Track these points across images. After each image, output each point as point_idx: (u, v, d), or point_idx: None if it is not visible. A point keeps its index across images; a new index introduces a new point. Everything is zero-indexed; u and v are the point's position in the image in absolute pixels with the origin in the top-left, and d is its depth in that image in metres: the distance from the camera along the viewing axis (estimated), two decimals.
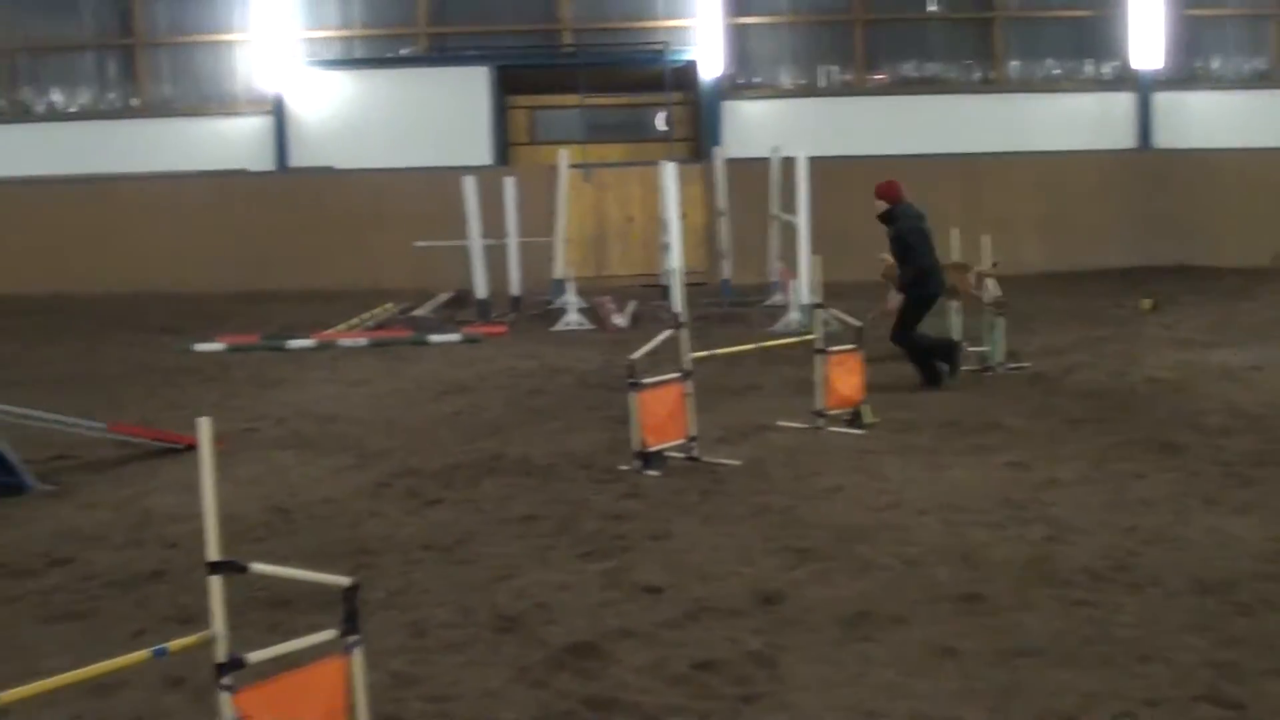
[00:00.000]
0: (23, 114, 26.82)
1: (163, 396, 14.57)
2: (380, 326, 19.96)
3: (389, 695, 6.11)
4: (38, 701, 5.92)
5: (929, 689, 6.08)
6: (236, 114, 26.53)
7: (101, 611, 7.71)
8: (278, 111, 26.25)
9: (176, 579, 8.16)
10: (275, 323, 20.39)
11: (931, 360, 14.03)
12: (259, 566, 5.06)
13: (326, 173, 26.18)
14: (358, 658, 5.05)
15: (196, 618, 7.16)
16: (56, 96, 26.75)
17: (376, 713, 5.44)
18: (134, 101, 26.73)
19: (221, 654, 4.75)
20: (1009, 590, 7.42)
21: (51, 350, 18.56)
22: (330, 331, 19.10)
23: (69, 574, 8.43)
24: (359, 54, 26.79)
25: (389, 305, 21.70)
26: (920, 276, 13.96)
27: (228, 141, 26.52)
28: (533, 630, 7.03)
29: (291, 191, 26.00)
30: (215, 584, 4.82)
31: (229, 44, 26.58)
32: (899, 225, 13.98)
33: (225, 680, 4.70)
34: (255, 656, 4.84)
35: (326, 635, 5.06)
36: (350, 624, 5.04)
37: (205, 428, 4.83)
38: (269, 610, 7.36)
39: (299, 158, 26.43)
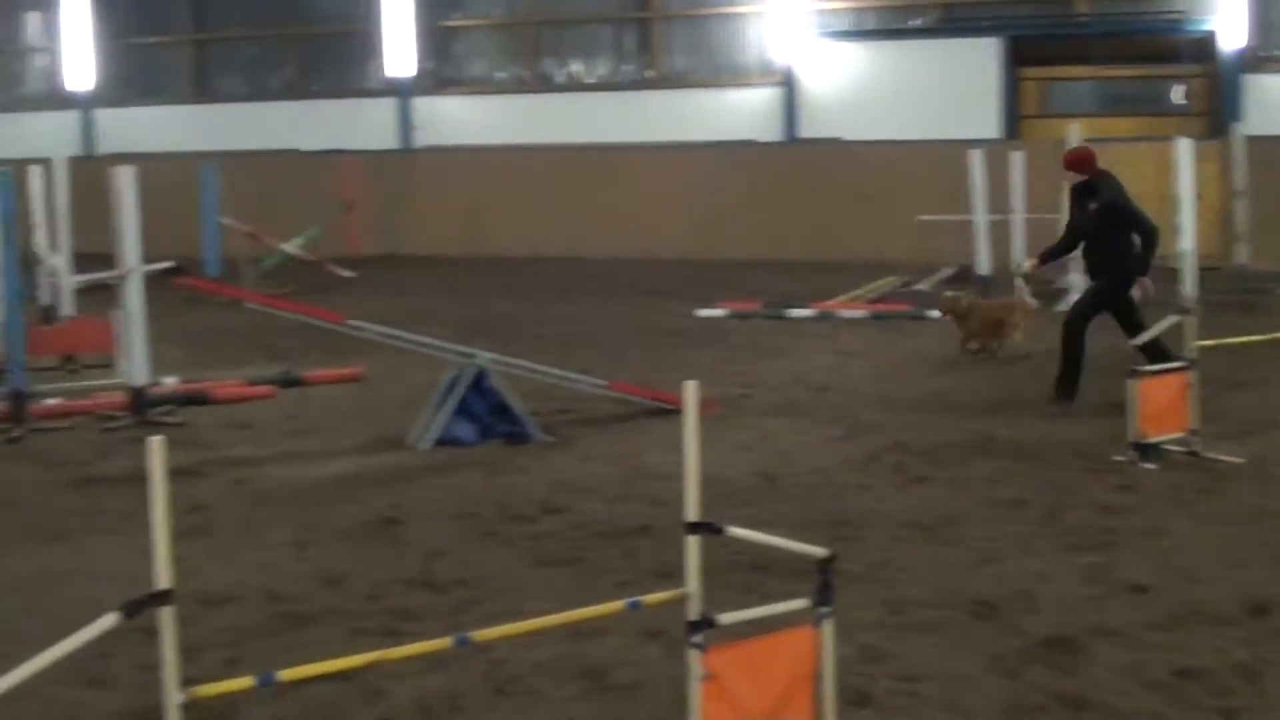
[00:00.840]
0: (544, 84, 28.06)
1: (662, 358, 14.97)
2: (881, 299, 19.91)
3: (857, 669, 6.07)
4: (521, 641, 6.21)
5: None
6: (747, 85, 26.95)
7: (589, 560, 8.00)
8: (788, 83, 26.51)
9: (662, 535, 8.36)
10: (776, 291, 20.63)
11: (1075, 378, 12.17)
12: (735, 530, 5.10)
13: (834, 144, 26.28)
14: (828, 629, 5.03)
15: (676, 574, 7.29)
16: (576, 67, 27.88)
17: (843, 685, 5.41)
18: (648, 73, 27.54)
19: (694, 612, 4.81)
20: None
21: (562, 309, 19.38)
22: (831, 302, 19.17)
23: (562, 522, 8.80)
24: (870, 25, 26.77)
25: (891, 278, 21.62)
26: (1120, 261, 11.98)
27: (737, 112, 26.99)
28: (1010, 619, 6.85)
29: (799, 162, 26.22)
30: (692, 544, 4.89)
31: (742, 16, 27.02)
32: (1111, 195, 12.01)
33: (695, 638, 4.76)
34: (726, 618, 4.89)
35: (799, 604, 5.06)
36: (824, 595, 5.02)
37: (691, 391, 4.91)
38: (748, 573, 7.44)
39: (807, 129, 26.64)
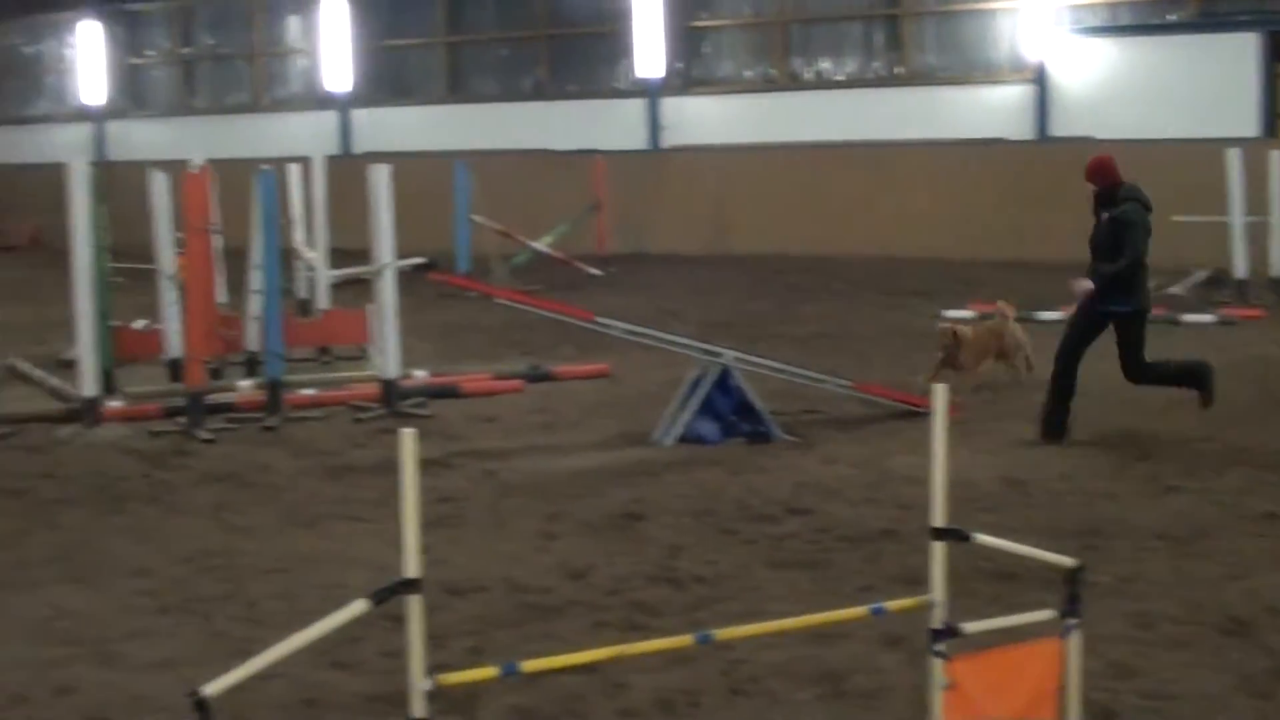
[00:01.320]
0: (792, 83, 27.98)
1: (909, 359, 14.79)
2: None
3: (1103, 685, 5.92)
4: (759, 642, 6.19)
5: None
6: (998, 82, 26.47)
7: (831, 563, 7.95)
8: (1039, 80, 25.97)
9: (907, 540, 8.27)
10: (1024, 293, 20.21)
11: (1192, 375, 11.27)
12: (983, 538, 5.02)
13: (1085, 142, 25.62)
14: (1075, 641, 4.90)
15: (922, 580, 7.20)
16: (824, 65, 27.72)
17: (1088, 701, 5.28)
18: (898, 70, 27.26)
19: (938, 620, 4.75)
20: None
21: (806, 309, 19.28)
22: None
23: (805, 524, 8.76)
24: (1124, 20, 26.05)
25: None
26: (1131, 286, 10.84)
27: (988, 110, 26.52)
28: (1261, 637, 6.60)
29: (1050, 161, 25.64)
30: (938, 550, 4.82)
31: (993, 12, 26.54)
32: (1128, 209, 10.80)
33: (938, 646, 4.69)
34: (971, 627, 4.81)
35: (1045, 614, 4.95)
36: (1072, 606, 4.90)
37: (941, 394, 4.84)
38: (992, 581, 7.32)
39: (1058, 127, 26.03)
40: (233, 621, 7.18)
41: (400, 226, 12.71)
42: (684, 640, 4.94)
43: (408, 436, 4.03)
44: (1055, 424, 10.94)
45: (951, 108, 26.60)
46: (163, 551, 8.47)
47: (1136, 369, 11.03)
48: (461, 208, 22.53)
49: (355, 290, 19.57)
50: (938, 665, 4.68)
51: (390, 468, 10.27)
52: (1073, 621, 4.90)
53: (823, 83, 27.68)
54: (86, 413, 11.96)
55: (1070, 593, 4.91)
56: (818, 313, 18.88)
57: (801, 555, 8.12)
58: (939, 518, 4.77)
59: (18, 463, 11.04)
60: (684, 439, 10.97)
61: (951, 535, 4.78)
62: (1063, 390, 10.97)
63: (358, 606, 4.22)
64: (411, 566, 4.09)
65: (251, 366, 14.15)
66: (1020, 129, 26.14)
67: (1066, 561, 4.95)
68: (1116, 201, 10.87)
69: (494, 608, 7.25)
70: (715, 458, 10.54)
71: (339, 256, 17.23)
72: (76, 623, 7.22)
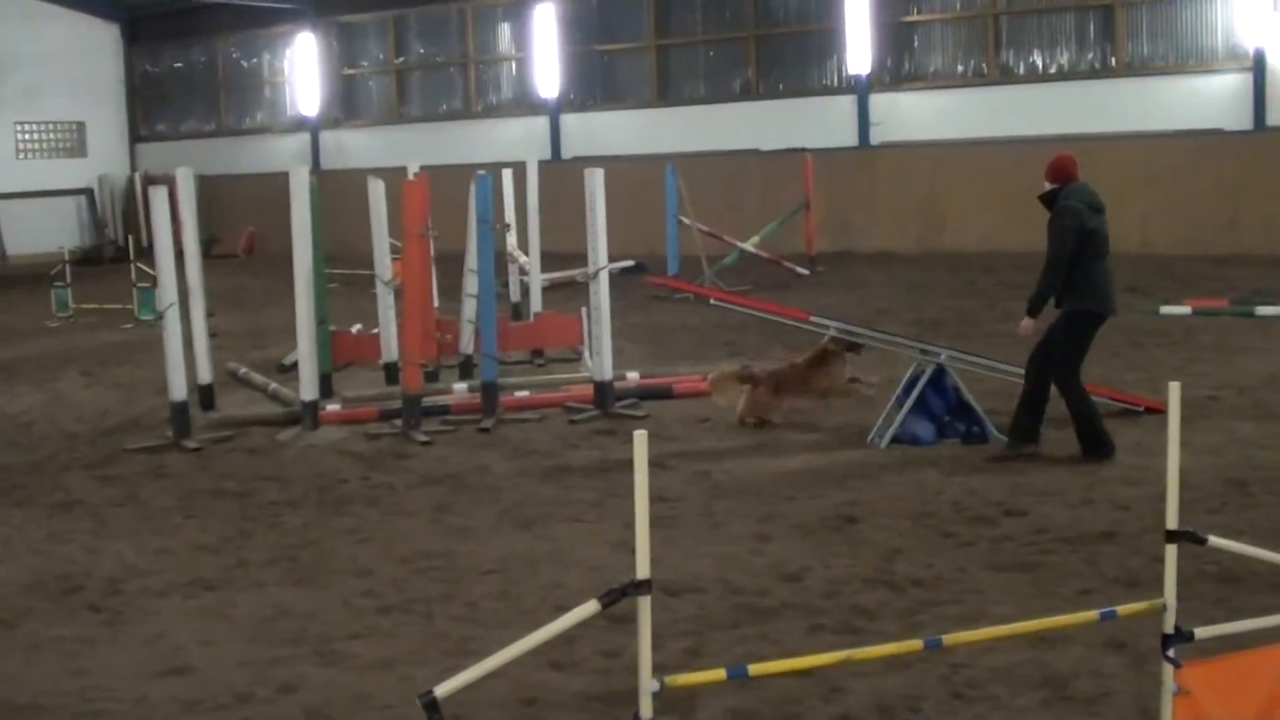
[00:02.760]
0: (1004, 76, 27.53)
1: (1125, 357, 14.49)
2: None
3: None
4: (979, 646, 6.12)
5: None
6: (1214, 71, 25.72)
7: (1050, 565, 7.83)
8: (1257, 67, 25.19)
9: (1126, 542, 8.13)
10: (1245, 287, 19.66)
11: (1097, 429, 10.35)
12: (1217, 540, 4.90)
13: None
14: None
15: (1142, 583, 7.09)
16: (1036, 58, 27.23)
17: None
18: (1111, 61, 26.68)
19: (1170, 625, 4.65)
20: None
21: (1019, 307, 18.71)
22: None
23: (1022, 525, 8.64)
24: None
25: None
26: (1082, 287, 10.25)
27: (1204, 99, 25.79)
28: None
29: (1269, 151, 24.91)
30: (1170, 553, 4.72)
31: None
32: (1060, 209, 10.33)
33: (1170, 652, 4.60)
34: (1203, 632, 4.70)
35: (1279, 619, 4.82)
36: None
37: (1175, 393, 4.74)
38: (1216, 585, 7.15)
39: (1277, 116, 25.25)
40: (453, 621, 7.32)
41: (610, 229, 12.82)
42: (913, 645, 4.90)
43: (640, 438, 4.05)
44: (1096, 446, 10.32)
45: (1166, 98, 25.94)
46: (383, 552, 8.67)
47: (1060, 371, 10.40)
48: (671, 209, 22.65)
49: (564, 293, 19.84)
50: (1169, 671, 4.58)
51: (605, 469, 10.48)
52: None
53: (1034, 76, 27.20)
54: (306, 416, 12.29)
55: None
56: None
57: (1019, 557, 8.00)
58: (1172, 519, 4.66)
59: (240, 465, 11.40)
60: (898, 439, 10.89)
61: (1184, 537, 4.67)
62: (1087, 421, 10.37)
63: (589, 608, 4.26)
64: (642, 567, 4.12)
65: (467, 369, 14.40)
66: (1238, 119, 25.40)
67: None
68: (1055, 202, 10.45)
69: (710, 609, 7.27)
70: (931, 458, 10.44)
71: (548, 260, 17.43)
72: (299, 622, 7.42)
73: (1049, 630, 6.01)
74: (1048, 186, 10.59)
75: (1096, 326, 10.46)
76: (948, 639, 4.79)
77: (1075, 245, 10.16)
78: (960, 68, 27.85)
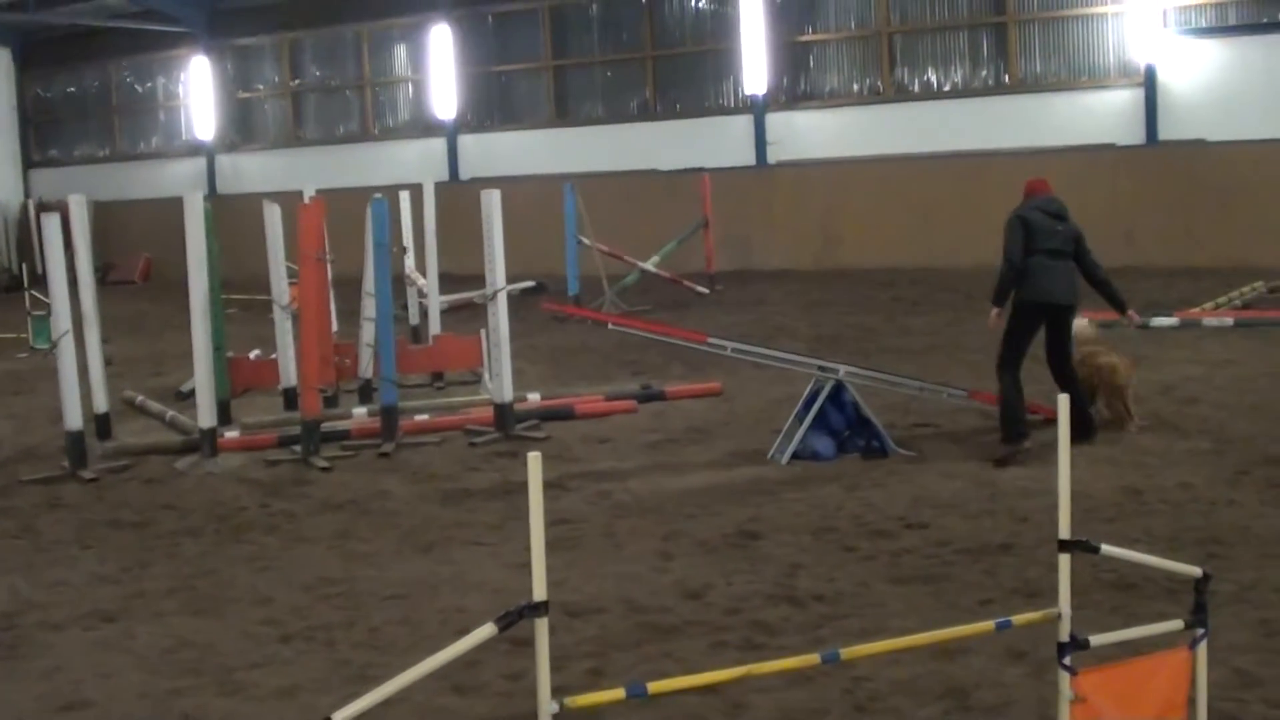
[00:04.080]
0: (899, 94, 27.80)
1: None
2: (1248, 306, 19.05)
3: (1229, 694, 5.83)
4: (883, 659, 6.15)
5: None
6: (1105, 87, 26.13)
7: (951, 577, 7.89)
8: (1148, 83, 25.63)
9: (1025, 552, 8.22)
10: (1139, 299, 19.95)
11: (1013, 420, 10.94)
12: (1110, 549, 4.95)
13: (1198, 145, 25.30)
14: (1203, 652, 4.83)
15: (1041, 592, 7.17)
16: (930, 76, 27.53)
17: (1215, 711, 5.19)
18: (1005, 78, 27.01)
19: (1065, 633, 4.69)
20: None
21: (917, 322, 19.14)
22: (1195, 310, 18.44)
23: (923, 538, 8.70)
24: (1233, 20, 25.63)
25: (1259, 284, 20.66)
26: (1023, 278, 11.06)
27: (1097, 115, 26.18)
28: None
29: (1161, 165, 25.33)
30: (1064, 562, 4.76)
31: (1100, 17, 26.22)
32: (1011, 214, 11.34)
33: (1066, 660, 4.64)
34: (1098, 639, 4.75)
35: (1172, 625, 4.88)
36: (1199, 616, 4.85)
37: (1064, 404, 4.79)
38: (1113, 592, 7.24)
39: (1169, 130, 25.66)
40: (355, 648, 7.25)
41: (509, 250, 12.80)
42: (810, 659, 4.91)
43: (534, 460, 4.03)
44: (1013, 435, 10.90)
45: (1060, 114, 26.33)
46: (283, 580, 8.57)
47: (999, 357, 11.16)
48: (570, 229, 22.65)
49: (463, 315, 19.77)
50: (1065, 679, 4.62)
51: (505, 491, 10.44)
52: (1201, 631, 4.83)
53: (929, 93, 27.51)
54: (204, 443, 12.14)
55: (1197, 602, 4.85)
56: (928, 325, 18.74)
57: (920, 570, 8.06)
58: (1065, 529, 4.70)
59: (137, 494, 11.24)
60: (799, 456, 10.94)
61: (1078, 547, 4.72)
62: (1009, 410, 10.98)
63: (485, 631, 4.23)
64: (539, 589, 4.10)
65: (366, 393, 14.31)
66: (1130, 134, 25.83)
67: (1193, 570, 4.89)
68: None
69: (612, 629, 7.26)
70: (831, 474, 10.49)
71: (447, 282, 17.36)
72: (199, 652, 7.32)
73: (950, 641, 6.04)
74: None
75: (1035, 317, 11.12)
76: (846, 652, 4.80)
77: (1018, 240, 11.09)
78: (855, 86, 28.12)
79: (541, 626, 4.12)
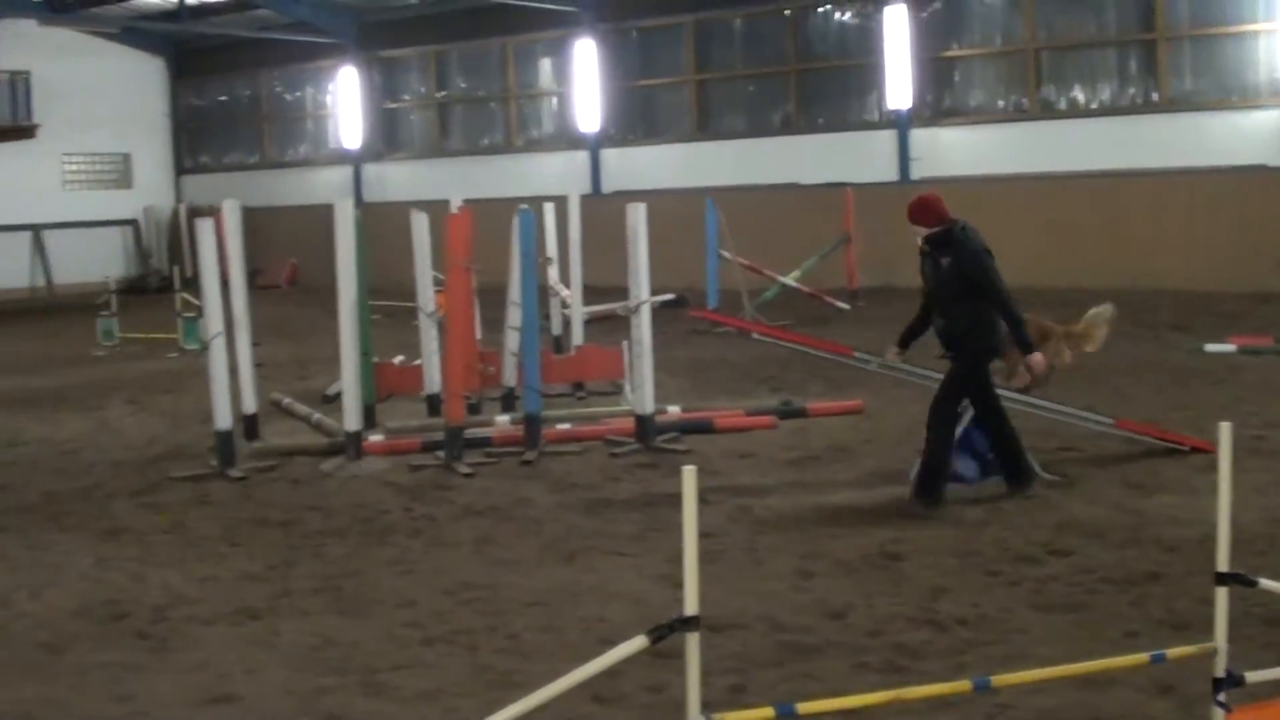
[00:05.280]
0: (1045, 112, 27.48)
1: (1170, 395, 14.42)
2: None
3: None
4: (1026, 688, 6.08)
5: None
6: (1257, 107, 25.64)
7: (1096, 606, 7.78)
8: None
9: (1173, 583, 8.08)
10: None
11: (937, 476, 10.21)
12: (1268, 583, 4.87)
13: None
14: None
15: (1189, 625, 7.05)
16: (1077, 93, 27.18)
17: None
18: (1154, 96, 26.61)
19: (1220, 669, 4.62)
20: None
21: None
22: None
23: (1067, 566, 8.59)
24: None
25: None
26: (984, 325, 10.19)
27: (1246, 135, 25.68)
28: None
29: None
30: (1221, 595, 4.69)
31: (1252, 35, 25.73)
32: (965, 243, 10.20)
33: (1221, 696, 4.57)
34: (1254, 676, 4.67)
35: None
36: None
37: (1225, 433, 4.71)
38: (1265, 628, 7.09)
39: None
40: (497, 654, 7.33)
41: (650, 263, 12.85)
42: (961, 685, 4.88)
43: (689, 474, 4.05)
44: (932, 488, 10.24)
45: (1209, 134, 25.84)
46: (426, 583, 8.69)
47: (937, 404, 10.30)
48: (710, 243, 22.67)
49: (603, 326, 19.86)
50: (1219, 715, 4.56)
51: (646, 503, 10.48)
52: None
53: (1076, 111, 27.14)
54: (350, 446, 12.33)
55: None
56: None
57: (1065, 598, 7.96)
58: (1223, 561, 4.63)
59: (284, 494, 11.46)
60: None
61: (1235, 580, 4.64)
62: (938, 461, 10.24)
63: (637, 642, 4.26)
64: (691, 603, 4.12)
65: (509, 402, 14.43)
66: None
67: None
68: (953, 242, 10.22)
69: (753, 646, 7.26)
70: (974, 496, 10.38)
71: (588, 293, 17.47)
72: (344, 652, 7.45)
73: (1096, 672, 5.97)
74: (923, 230, 10.36)
75: (972, 360, 10.28)
76: (997, 680, 4.76)
77: (990, 280, 10.10)
78: (1001, 103, 27.84)
79: (693, 641, 4.15)
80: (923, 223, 10.37)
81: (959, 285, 10.17)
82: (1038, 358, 10.28)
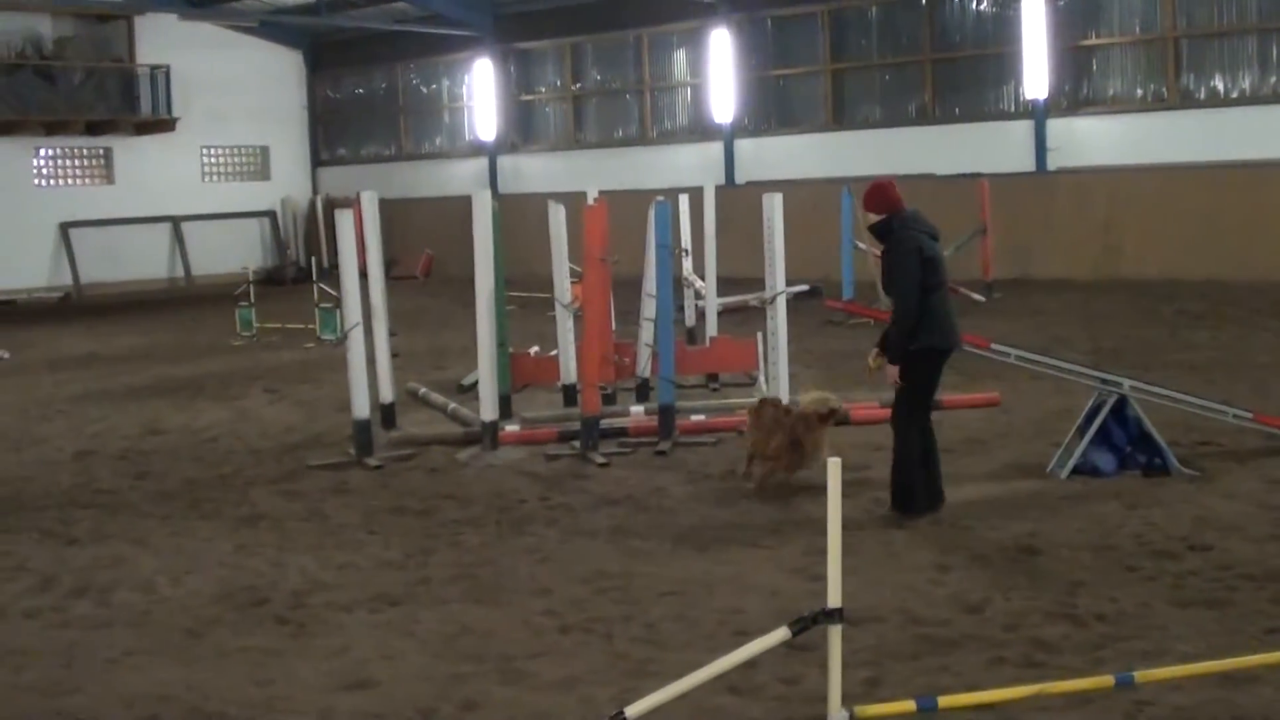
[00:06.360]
0: (1184, 101, 27.00)
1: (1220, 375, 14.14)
2: None
3: None
4: (1164, 685, 6.03)
5: None
6: None
7: (1235, 602, 7.69)
8: None
9: None
10: None
11: (907, 491, 9.80)
12: None
13: None
14: None
15: None
16: (1218, 82, 26.65)
17: None
18: None
19: None
20: None
21: (1200, 336, 18.58)
22: None
23: (1207, 561, 8.49)
24: None
25: None
26: (925, 322, 9.59)
27: None
28: None
29: None
30: None
31: None
32: (896, 237, 9.69)
33: None
34: None
35: None
36: None
37: None
38: None
39: None
40: (633, 643, 7.39)
41: (785, 253, 12.85)
42: (1104, 681, 4.87)
43: (834, 465, 4.08)
44: (906, 502, 9.86)
45: None
46: (562, 572, 8.79)
47: (897, 413, 9.98)
48: (846, 234, 22.59)
49: (735, 317, 19.90)
50: None
51: (781, 494, 10.48)
52: None
53: (1216, 100, 26.64)
54: (486, 436, 12.49)
55: None
56: (1212, 340, 18.17)
57: (1204, 593, 7.87)
58: None
59: (421, 483, 11.63)
60: (1078, 470, 10.74)
61: None
62: (908, 470, 9.85)
63: (779, 634, 4.31)
64: (834, 595, 4.16)
65: (644, 392, 14.51)
66: None
67: None
68: (890, 232, 9.79)
69: (890, 638, 7.26)
70: (1112, 490, 10.27)
71: (722, 284, 17.49)
72: (481, 640, 7.56)
73: (1237, 669, 5.91)
74: (872, 218, 9.94)
75: (942, 362, 10.00)
76: (1140, 676, 4.74)
77: (916, 274, 9.57)
78: (1139, 92, 27.41)
79: (835, 633, 4.18)
80: (868, 209, 9.99)
81: (888, 279, 10.02)
82: (893, 371, 9.76)
